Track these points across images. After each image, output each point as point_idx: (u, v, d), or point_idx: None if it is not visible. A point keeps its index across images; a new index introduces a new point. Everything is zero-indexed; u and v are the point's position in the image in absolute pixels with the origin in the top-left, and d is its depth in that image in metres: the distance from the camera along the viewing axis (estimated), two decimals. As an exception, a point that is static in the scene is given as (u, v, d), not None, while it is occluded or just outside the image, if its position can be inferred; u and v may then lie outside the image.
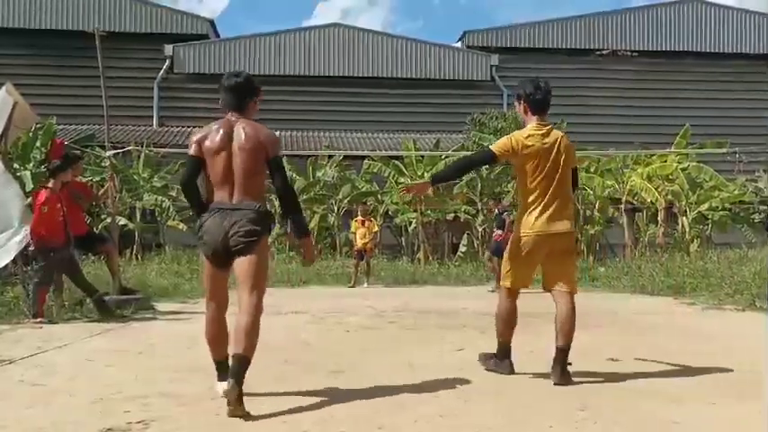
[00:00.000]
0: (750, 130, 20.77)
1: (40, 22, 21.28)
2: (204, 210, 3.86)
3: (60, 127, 17.75)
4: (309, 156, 18.16)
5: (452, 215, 17.85)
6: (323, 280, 13.26)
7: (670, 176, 17.13)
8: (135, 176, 17.12)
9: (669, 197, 17.22)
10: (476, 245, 17.54)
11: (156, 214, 17.58)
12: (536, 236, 4.30)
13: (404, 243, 18.56)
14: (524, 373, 4.49)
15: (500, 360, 4.53)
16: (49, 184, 7.50)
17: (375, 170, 18.12)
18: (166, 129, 20.96)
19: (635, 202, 17.71)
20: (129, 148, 13.73)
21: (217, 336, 3.88)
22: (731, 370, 4.64)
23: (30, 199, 8.01)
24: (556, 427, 3.28)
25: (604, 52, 22.82)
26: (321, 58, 21.90)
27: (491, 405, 3.72)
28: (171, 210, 17.06)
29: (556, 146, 4.32)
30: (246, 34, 22.55)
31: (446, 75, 22.06)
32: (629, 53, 22.85)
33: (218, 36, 23.44)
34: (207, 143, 3.86)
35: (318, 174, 17.98)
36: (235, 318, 3.67)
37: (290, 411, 3.55)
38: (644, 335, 6.45)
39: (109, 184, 9.26)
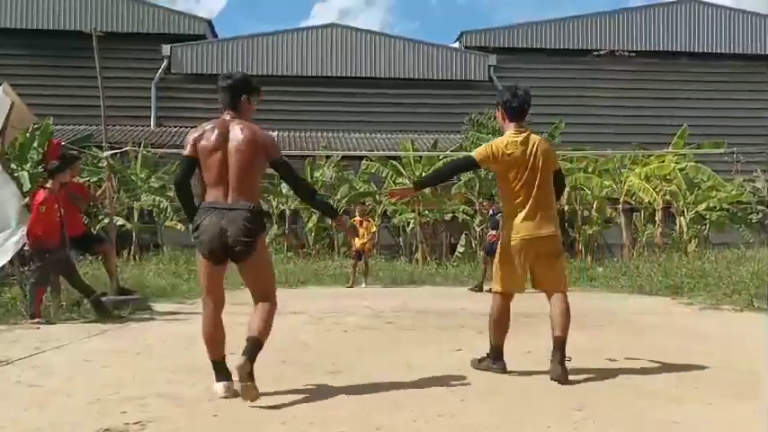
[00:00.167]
0: (748, 131, 20.82)
1: (38, 22, 21.25)
2: (195, 211, 3.91)
3: (57, 127, 17.73)
4: (307, 156, 18.14)
5: (450, 215, 17.85)
6: (321, 280, 13.25)
7: (668, 177, 17.14)
8: (132, 177, 17.10)
9: (667, 197, 17.24)
10: (474, 245, 17.53)
11: (154, 215, 17.55)
12: (522, 240, 4.41)
13: (402, 243, 18.56)
14: (522, 373, 4.49)
15: (493, 360, 4.56)
16: (48, 185, 7.49)
17: (373, 170, 18.11)
18: (164, 129, 20.94)
19: (633, 203, 17.72)
20: (127, 148, 13.70)
21: (214, 335, 3.90)
22: (729, 370, 4.64)
23: (27, 199, 7.99)
24: (554, 427, 3.28)
25: (602, 53, 22.83)
26: (319, 58, 21.89)
27: (489, 405, 3.72)
28: (169, 210, 17.04)
29: (533, 151, 4.44)
30: (244, 34, 22.54)
31: (444, 75, 22.06)
32: (626, 53, 22.87)
33: (215, 36, 23.42)
34: (202, 142, 3.88)
35: (316, 174, 17.97)
36: (249, 316, 3.87)
37: (289, 412, 3.55)
38: (642, 335, 6.45)
39: (106, 184, 9.24)
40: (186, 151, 3.93)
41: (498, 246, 4.67)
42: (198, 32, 22.10)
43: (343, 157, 18.30)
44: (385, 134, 21.24)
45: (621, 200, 17.32)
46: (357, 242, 12.96)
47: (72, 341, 5.85)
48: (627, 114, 21.82)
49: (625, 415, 3.50)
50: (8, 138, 8.70)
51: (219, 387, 3.84)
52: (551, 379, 4.23)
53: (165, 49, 21.16)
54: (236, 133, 3.86)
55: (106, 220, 13.67)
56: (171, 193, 17.20)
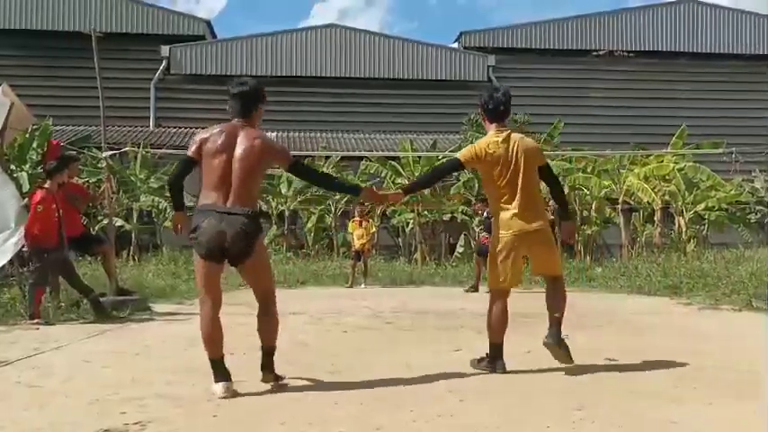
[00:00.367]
0: (746, 131, 20.83)
1: (37, 22, 21.24)
2: (182, 204, 4.20)
3: (57, 128, 17.70)
4: (306, 156, 18.09)
5: (449, 216, 17.86)
6: (320, 281, 13.25)
7: (667, 177, 17.14)
8: (132, 177, 17.09)
9: (666, 197, 17.24)
10: (473, 245, 17.52)
11: (153, 215, 17.54)
12: (513, 236, 4.55)
13: (401, 244, 18.56)
14: (521, 373, 4.50)
15: (492, 360, 4.58)
16: (46, 185, 7.48)
17: (372, 171, 18.10)
18: (163, 129, 20.94)
19: (632, 203, 17.72)
20: (126, 149, 13.70)
21: (213, 335, 3.93)
22: (729, 370, 4.64)
23: (26, 200, 7.99)
24: (553, 427, 3.28)
25: (601, 53, 22.85)
26: (318, 58, 21.89)
27: (488, 405, 3.72)
28: (168, 211, 17.02)
29: (515, 149, 4.57)
30: (243, 35, 22.56)
31: (443, 75, 22.08)
32: (625, 54, 22.89)
33: (214, 37, 23.42)
34: (208, 145, 3.97)
35: (316, 174, 17.96)
36: (256, 317, 4.07)
37: (289, 412, 3.55)
38: (641, 335, 6.45)
39: (105, 185, 9.25)
40: (190, 151, 4.02)
41: (491, 244, 4.77)
42: (197, 33, 22.11)
43: (343, 158, 18.31)
44: (384, 134, 21.25)
45: (620, 200, 17.32)
46: (356, 242, 12.98)
47: (71, 342, 5.85)
48: (626, 114, 21.83)
49: (624, 415, 3.50)
50: (7, 138, 8.71)
51: (219, 387, 3.84)
52: (544, 344, 4.49)
53: (165, 49, 21.16)
54: (246, 140, 3.96)
55: (105, 221, 13.66)
56: (170, 194, 17.19)
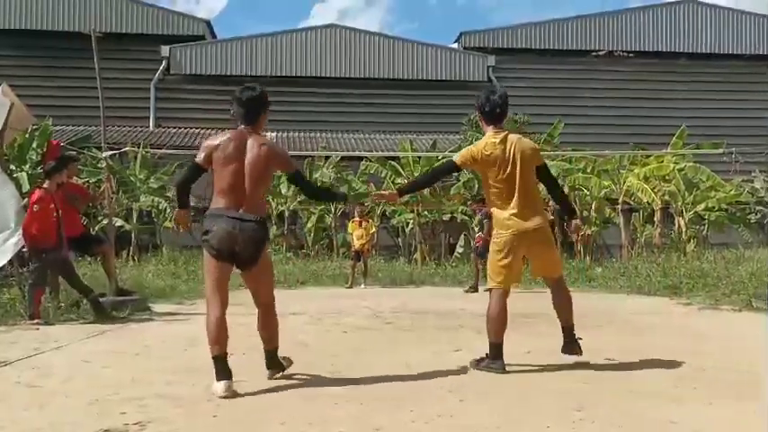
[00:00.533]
0: (746, 131, 20.83)
1: (36, 22, 21.25)
2: (187, 206, 4.32)
3: (56, 128, 17.71)
4: (306, 156, 18.13)
5: (449, 216, 17.85)
6: (320, 281, 13.24)
7: (666, 177, 17.14)
8: (131, 178, 17.09)
9: (666, 197, 17.23)
10: (473, 245, 17.53)
11: (153, 215, 17.53)
12: (512, 235, 4.60)
13: (401, 244, 18.55)
14: (521, 373, 4.50)
15: (492, 360, 4.58)
16: (45, 185, 7.48)
17: (372, 171, 18.12)
18: (163, 130, 20.94)
19: (631, 203, 17.71)
20: (126, 149, 13.68)
21: (219, 335, 3.97)
22: (729, 370, 4.64)
23: (26, 200, 7.99)
24: (553, 427, 3.28)
25: (600, 53, 22.85)
26: (318, 58, 21.90)
27: (488, 405, 3.72)
28: (168, 211, 17.02)
29: (511, 151, 4.62)
30: (243, 35, 22.56)
31: (443, 76, 22.09)
32: (624, 54, 22.89)
33: (214, 37, 23.42)
34: (218, 153, 4.06)
35: (315, 175, 17.96)
36: (257, 318, 4.22)
37: (289, 412, 3.55)
38: (641, 335, 6.45)
39: (105, 185, 9.24)
40: (199, 158, 4.11)
41: (491, 243, 4.81)
42: (197, 33, 22.11)
43: (343, 158, 18.30)
44: (384, 134, 21.26)
45: (620, 200, 17.31)
46: (356, 242, 12.98)
47: (71, 342, 5.85)
48: (625, 115, 21.83)
49: (624, 415, 3.50)
50: (7, 139, 8.70)
51: (220, 386, 3.84)
52: (564, 353, 4.73)
53: (165, 49, 21.17)
54: (254, 148, 4.06)
55: (105, 221, 13.65)
56: (170, 194, 17.20)
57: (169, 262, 14.16)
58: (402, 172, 17.76)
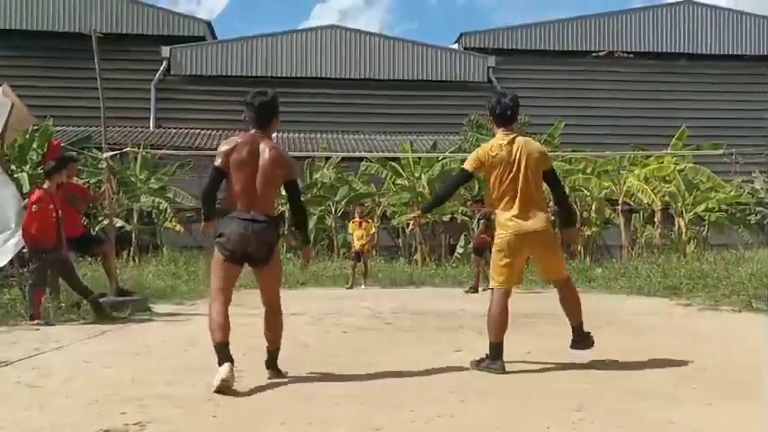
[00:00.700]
0: (746, 132, 20.85)
1: (37, 23, 21.27)
2: (213, 217, 4.32)
3: (57, 128, 17.72)
4: (307, 157, 18.14)
5: (449, 216, 17.85)
6: (320, 281, 13.24)
7: (667, 178, 17.15)
8: (132, 178, 17.08)
9: (666, 198, 17.24)
10: (472, 246, 17.54)
11: (153, 216, 17.54)
12: (514, 235, 4.62)
13: (401, 244, 18.55)
14: (521, 373, 4.50)
15: (492, 360, 4.58)
16: (44, 185, 7.48)
17: (372, 172, 18.12)
18: (163, 130, 20.94)
19: (632, 204, 17.73)
20: (126, 149, 13.67)
21: (222, 323, 4.07)
22: (729, 370, 4.65)
23: (26, 200, 7.99)
24: (553, 428, 3.28)
25: (601, 54, 22.86)
26: (318, 59, 21.90)
27: (488, 405, 3.72)
28: (168, 211, 17.03)
29: (518, 153, 4.65)
30: (244, 36, 22.57)
31: (443, 76, 22.09)
32: (625, 55, 22.90)
33: (215, 37, 23.44)
34: (234, 156, 4.17)
35: (316, 175, 17.99)
36: (264, 318, 4.32)
37: (289, 412, 3.56)
38: (641, 335, 6.45)
39: (106, 185, 9.24)
40: (218, 163, 4.21)
41: (494, 244, 4.83)
42: (197, 34, 22.13)
43: (343, 159, 18.31)
44: (384, 135, 21.26)
45: (620, 201, 17.32)
46: (356, 243, 12.98)
47: (71, 342, 5.85)
48: (625, 116, 21.84)
49: (624, 415, 3.50)
50: (8, 139, 8.71)
51: (224, 368, 3.88)
52: (573, 349, 4.81)
53: (165, 50, 21.18)
54: (266, 152, 4.18)
55: (105, 222, 13.65)
56: (170, 195, 17.22)
57: (169, 262, 14.15)
58: (402, 173, 17.77)
